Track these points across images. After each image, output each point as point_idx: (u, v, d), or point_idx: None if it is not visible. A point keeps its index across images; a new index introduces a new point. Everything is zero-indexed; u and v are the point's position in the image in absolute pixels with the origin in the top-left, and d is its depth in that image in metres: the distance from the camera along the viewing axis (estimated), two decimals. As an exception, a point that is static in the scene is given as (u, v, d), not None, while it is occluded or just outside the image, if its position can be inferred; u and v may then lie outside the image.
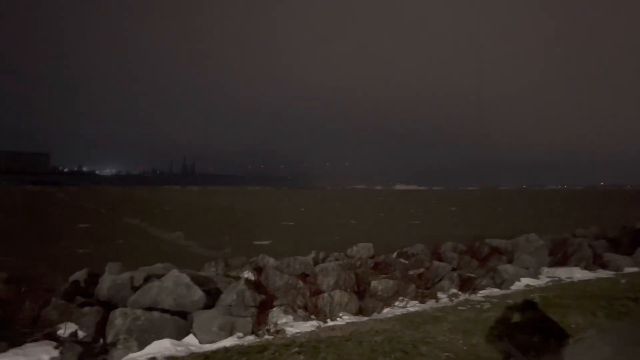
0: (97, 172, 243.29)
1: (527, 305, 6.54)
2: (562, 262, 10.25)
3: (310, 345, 5.04)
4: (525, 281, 8.78)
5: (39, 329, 5.40)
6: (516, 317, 6.09)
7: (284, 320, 5.90)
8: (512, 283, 8.60)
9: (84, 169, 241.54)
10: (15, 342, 5.03)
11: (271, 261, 9.40)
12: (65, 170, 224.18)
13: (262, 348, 4.98)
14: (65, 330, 5.32)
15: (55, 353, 4.70)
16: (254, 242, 11.49)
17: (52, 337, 5.14)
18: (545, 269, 9.66)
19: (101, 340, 5.26)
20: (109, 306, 5.86)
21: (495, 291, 8.16)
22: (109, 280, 6.67)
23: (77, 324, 5.44)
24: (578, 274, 9.54)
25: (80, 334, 5.34)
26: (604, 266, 10.28)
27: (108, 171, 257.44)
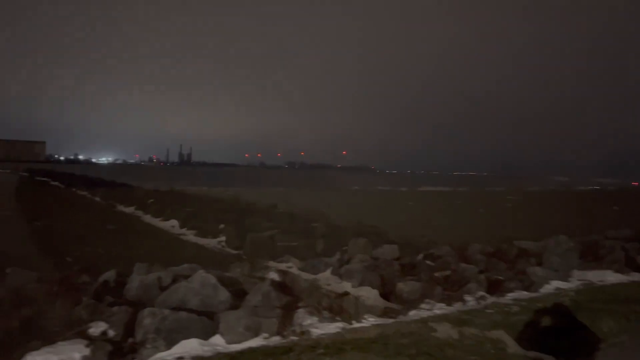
0: (93, 160, 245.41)
1: (557, 308, 6.41)
2: (594, 264, 9.99)
3: (335, 346, 5.03)
4: (554, 284, 8.59)
5: (70, 328, 5.53)
6: (546, 321, 5.96)
7: (309, 321, 5.90)
8: (542, 286, 8.43)
9: (80, 157, 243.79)
10: (47, 340, 5.17)
11: (296, 262, 9.44)
12: (62, 158, 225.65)
13: (287, 349, 4.99)
14: (96, 329, 5.43)
15: (87, 351, 4.80)
16: (279, 244, 11.53)
17: (83, 335, 5.26)
18: (576, 272, 9.42)
19: (130, 340, 5.35)
20: (137, 306, 5.96)
21: (524, 294, 8.00)
22: (138, 281, 6.80)
23: (107, 323, 5.55)
24: (610, 277, 9.29)
25: (110, 333, 5.44)
26: (637, 269, 9.98)
27: (104, 159, 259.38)
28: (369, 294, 7.43)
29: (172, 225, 15.96)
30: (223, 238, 12.85)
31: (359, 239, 10.19)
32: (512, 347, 5.20)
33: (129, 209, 20.90)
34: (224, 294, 6.38)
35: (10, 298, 6.56)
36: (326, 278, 8.66)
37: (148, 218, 18.05)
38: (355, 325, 6.02)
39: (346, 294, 7.26)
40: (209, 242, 12.74)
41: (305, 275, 8.75)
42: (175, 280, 6.89)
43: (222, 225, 13.94)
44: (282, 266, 9.72)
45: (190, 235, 13.87)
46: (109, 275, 7.39)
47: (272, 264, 9.96)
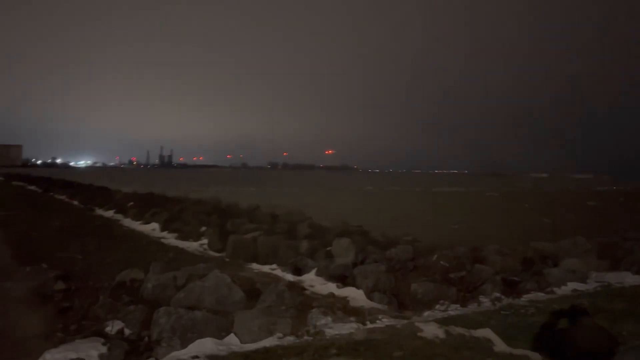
0: (71, 163, 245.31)
1: (574, 310, 6.30)
2: (612, 266, 9.84)
3: (349, 347, 5.03)
4: (572, 286, 8.47)
5: (87, 326, 5.61)
6: (562, 323, 5.88)
7: (323, 321, 5.91)
8: (558, 287, 8.32)
9: (58, 160, 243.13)
10: (65, 337, 5.25)
11: (310, 262, 9.44)
12: (39, 162, 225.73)
13: (301, 349, 5.00)
14: (113, 327, 5.50)
15: (103, 349, 4.86)
16: (261, 245, 11.45)
17: (100, 333, 5.33)
18: (594, 274, 9.28)
19: (146, 338, 5.41)
20: (153, 305, 6.03)
21: (540, 295, 7.91)
22: (154, 280, 6.88)
23: (123, 321, 5.63)
24: (629, 278, 9.14)
25: (127, 331, 5.51)
26: (658, 271, 9.80)
27: (83, 163, 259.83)
28: (354, 295, 7.41)
29: (152, 228, 15.52)
30: (205, 241, 12.59)
31: (342, 238, 10.08)
32: (500, 345, 5.17)
33: (108, 213, 20.41)
34: (238, 294, 6.42)
35: (29, 296, 6.68)
36: (310, 279, 8.61)
37: (127, 222, 17.49)
38: (370, 325, 6.01)
39: (331, 295, 7.26)
40: (190, 245, 12.48)
41: (290, 277, 8.71)
42: (189, 279, 6.95)
43: (203, 228, 13.64)
44: (265, 268, 9.71)
45: (171, 239, 13.53)
46: (125, 274, 7.51)
47: (255, 266, 9.94)
